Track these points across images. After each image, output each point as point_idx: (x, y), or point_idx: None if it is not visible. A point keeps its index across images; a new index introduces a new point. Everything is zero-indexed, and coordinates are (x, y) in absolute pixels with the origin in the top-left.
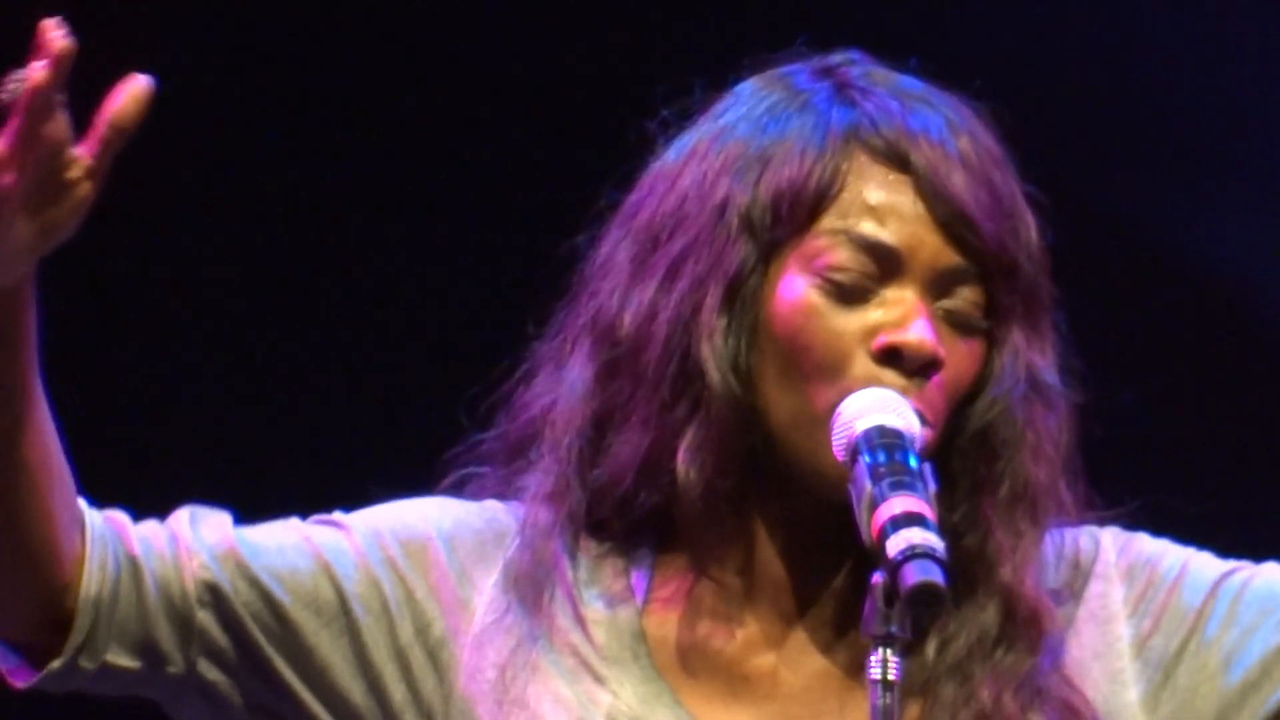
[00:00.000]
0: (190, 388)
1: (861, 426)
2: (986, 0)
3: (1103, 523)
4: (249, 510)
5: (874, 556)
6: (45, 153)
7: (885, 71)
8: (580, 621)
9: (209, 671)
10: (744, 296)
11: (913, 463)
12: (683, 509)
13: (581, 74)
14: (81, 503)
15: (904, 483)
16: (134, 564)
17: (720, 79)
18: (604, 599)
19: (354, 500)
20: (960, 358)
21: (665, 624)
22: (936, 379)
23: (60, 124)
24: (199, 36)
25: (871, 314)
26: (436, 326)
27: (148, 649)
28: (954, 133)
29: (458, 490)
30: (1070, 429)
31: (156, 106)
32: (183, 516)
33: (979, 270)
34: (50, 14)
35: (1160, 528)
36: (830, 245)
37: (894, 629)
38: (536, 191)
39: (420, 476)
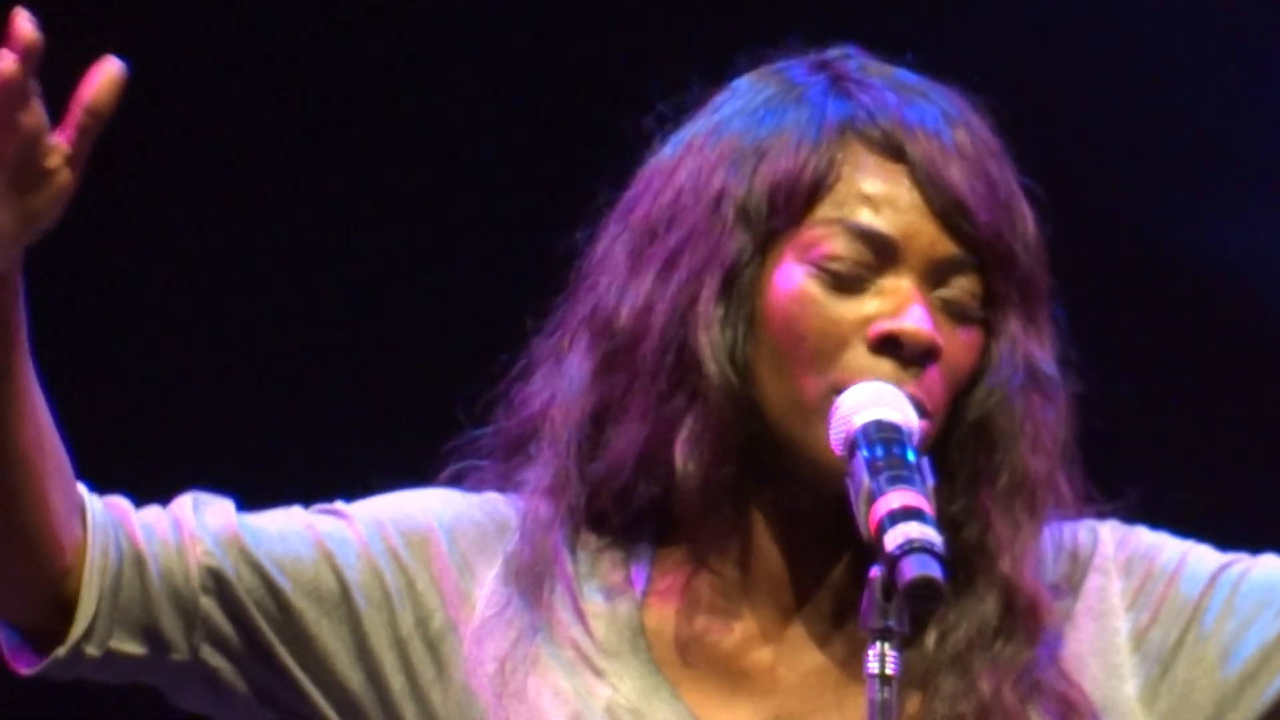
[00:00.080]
0: (193, 377)
1: (859, 421)
2: None
3: (1102, 516)
4: (252, 500)
5: (872, 551)
6: (22, 142)
7: (881, 65)
8: (580, 615)
9: (212, 658)
10: (740, 287)
11: (911, 457)
12: (681, 501)
13: (579, 71)
14: (82, 489)
15: (902, 477)
16: (137, 550)
17: (717, 75)
18: (603, 592)
19: (356, 491)
20: (958, 347)
21: (664, 617)
22: (935, 368)
23: (36, 112)
24: (190, 25)
25: (868, 303)
26: (438, 320)
27: (152, 635)
28: (950, 124)
29: (457, 483)
30: (1069, 421)
31: (162, 95)
32: (186, 502)
33: (975, 260)
34: (21, 3)
35: (1159, 521)
36: (826, 235)
37: (892, 623)
38: (535, 187)
39: (422, 468)
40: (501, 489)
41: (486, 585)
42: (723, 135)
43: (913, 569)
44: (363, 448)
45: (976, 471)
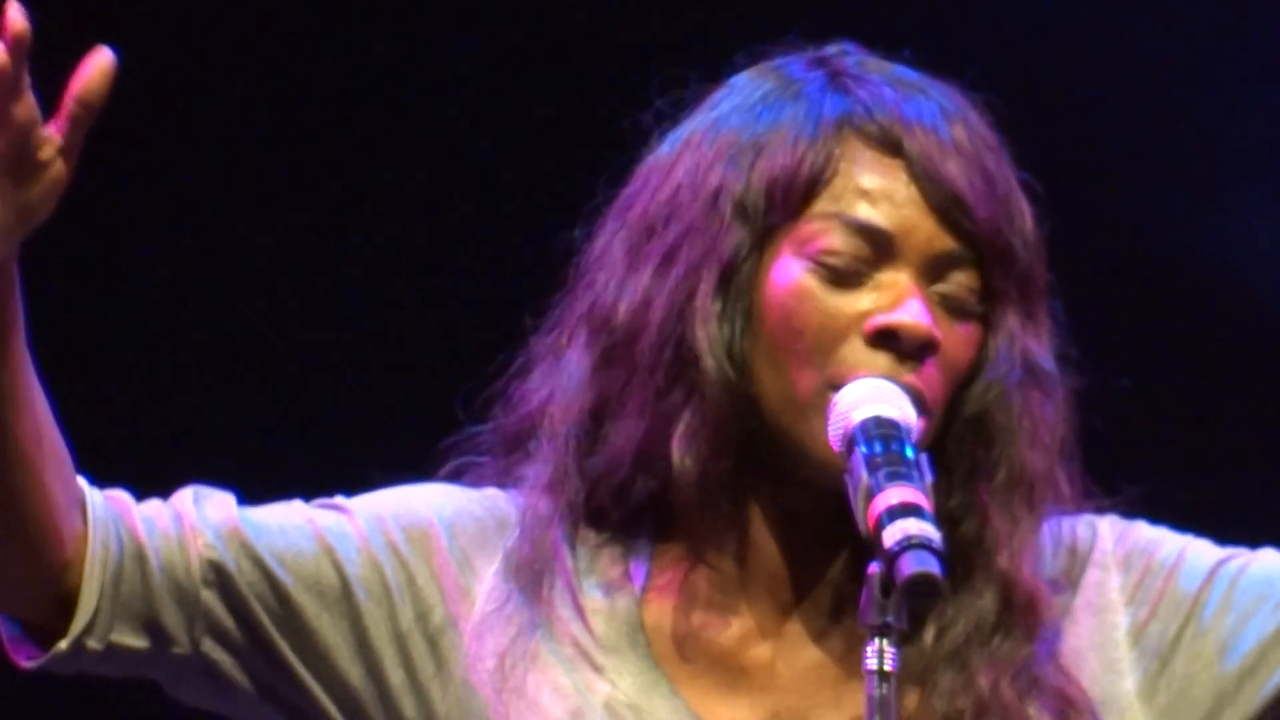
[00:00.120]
0: (193, 372)
1: (858, 417)
2: None
3: (1101, 511)
4: (252, 495)
5: (870, 547)
6: (15, 134)
7: (879, 61)
8: (579, 611)
9: (213, 651)
10: (738, 282)
11: (909, 453)
12: (679, 496)
13: (578, 68)
14: (83, 482)
15: (900, 473)
16: (138, 543)
17: (715, 72)
18: (602, 588)
19: (356, 487)
20: (956, 342)
21: (663, 613)
22: (932, 363)
23: (28, 104)
24: (189, 24)
25: (865, 298)
26: (437, 318)
27: (153, 628)
28: (948, 120)
29: (456, 479)
30: (1067, 417)
31: (161, 94)
32: (186, 496)
33: (973, 255)
34: None
35: (1158, 517)
36: (823, 229)
37: (890, 619)
38: (535, 185)
39: (422, 465)
40: (501, 485)
41: (486, 581)
42: (720, 131)
43: (911, 565)
44: (363, 444)
45: (974, 467)
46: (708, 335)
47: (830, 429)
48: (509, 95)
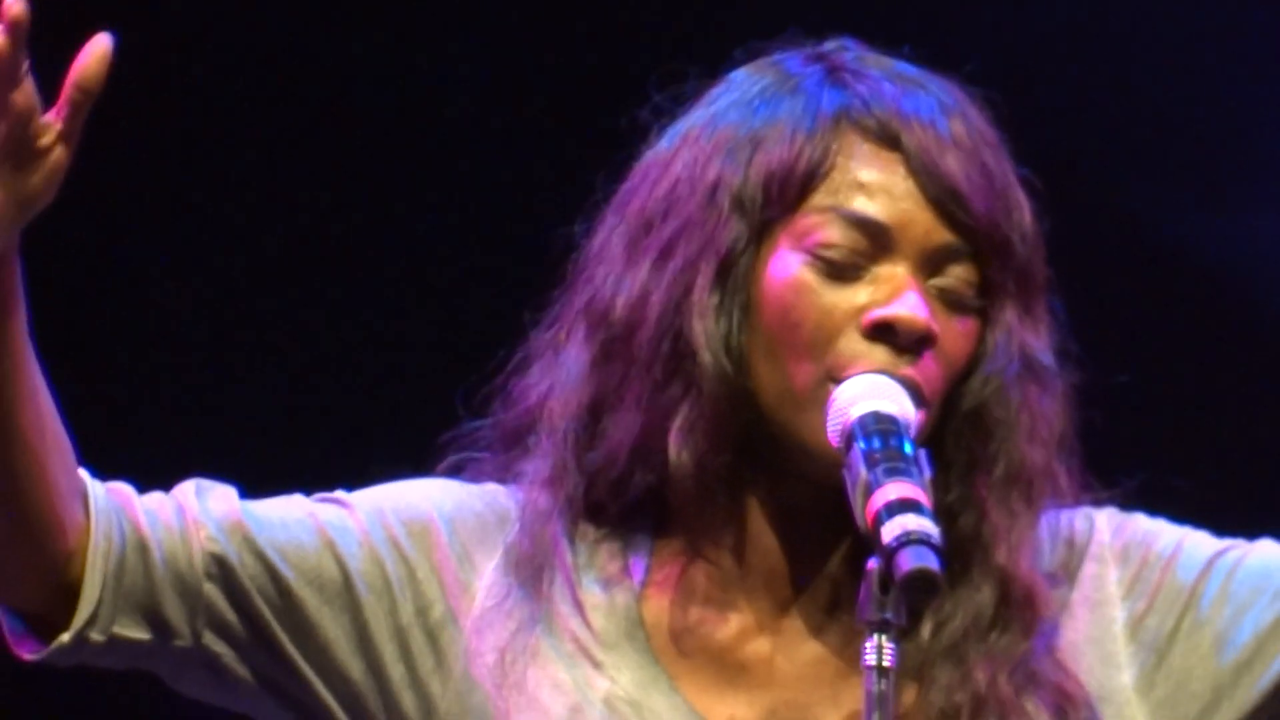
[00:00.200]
0: (194, 366)
1: (856, 412)
2: None
3: (1099, 503)
4: (253, 489)
5: (869, 542)
6: (15, 120)
7: (878, 56)
8: (578, 606)
9: (214, 644)
10: (736, 276)
11: (908, 449)
12: (676, 491)
13: (577, 64)
14: (84, 474)
15: (899, 469)
16: (140, 535)
17: (714, 68)
18: (601, 583)
19: (356, 482)
20: (954, 336)
21: (662, 608)
22: (930, 356)
23: (27, 91)
24: (187, 22)
25: (862, 291)
26: (437, 314)
27: (155, 620)
28: (947, 114)
29: (456, 475)
30: (1066, 411)
31: (160, 92)
32: (188, 488)
33: (971, 248)
34: None
35: (1157, 508)
36: (821, 222)
37: (889, 615)
38: (534, 181)
39: (422, 460)
40: (501, 480)
41: (486, 576)
42: (718, 126)
43: (910, 561)
44: (363, 439)
45: (972, 461)
46: (705, 329)
47: (829, 424)
48: (508, 91)
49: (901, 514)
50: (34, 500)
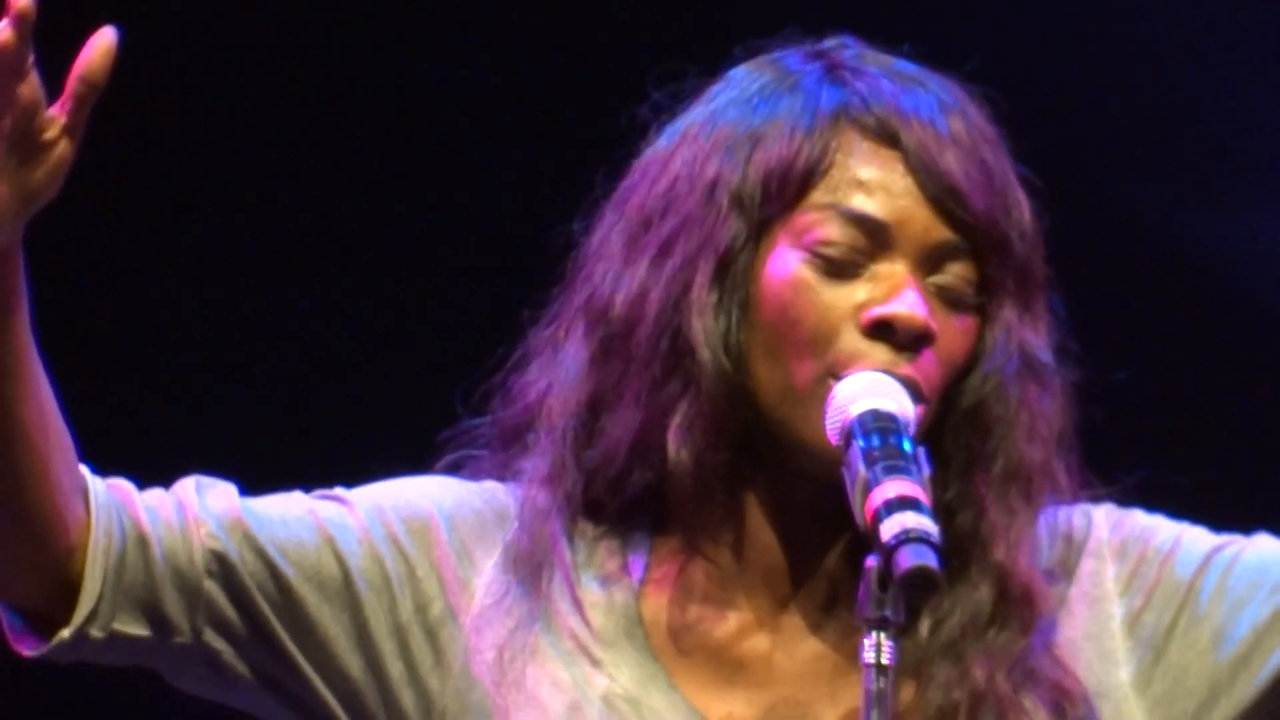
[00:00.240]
0: (194, 363)
1: (856, 410)
2: None
3: (1097, 500)
4: (252, 486)
5: (868, 540)
6: (20, 114)
7: (878, 54)
8: (577, 604)
9: (214, 641)
10: (734, 273)
11: (907, 447)
12: (675, 488)
13: (576, 62)
14: (85, 470)
15: (898, 467)
16: (140, 531)
17: (714, 66)
18: (600, 581)
19: (356, 479)
20: (953, 334)
21: (660, 606)
22: (929, 353)
23: (32, 85)
24: (187, 21)
25: (861, 288)
26: (437, 312)
27: (155, 617)
28: (946, 112)
29: (455, 472)
30: (1065, 409)
31: (161, 91)
32: (189, 485)
33: (970, 246)
34: None
35: (1156, 505)
36: (819, 220)
37: (888, 613)
38: (533, 179)
39: (421, 458)
40: (500, 478)
41: (486, 573)
42: (717, 123)
43: (909, 559)
44: (362, 436)
45: (971, 458)
46: (704, 327)
47: (828, 422)
48: (508, 89)
49: (900, 511)
50: (35, 496)
